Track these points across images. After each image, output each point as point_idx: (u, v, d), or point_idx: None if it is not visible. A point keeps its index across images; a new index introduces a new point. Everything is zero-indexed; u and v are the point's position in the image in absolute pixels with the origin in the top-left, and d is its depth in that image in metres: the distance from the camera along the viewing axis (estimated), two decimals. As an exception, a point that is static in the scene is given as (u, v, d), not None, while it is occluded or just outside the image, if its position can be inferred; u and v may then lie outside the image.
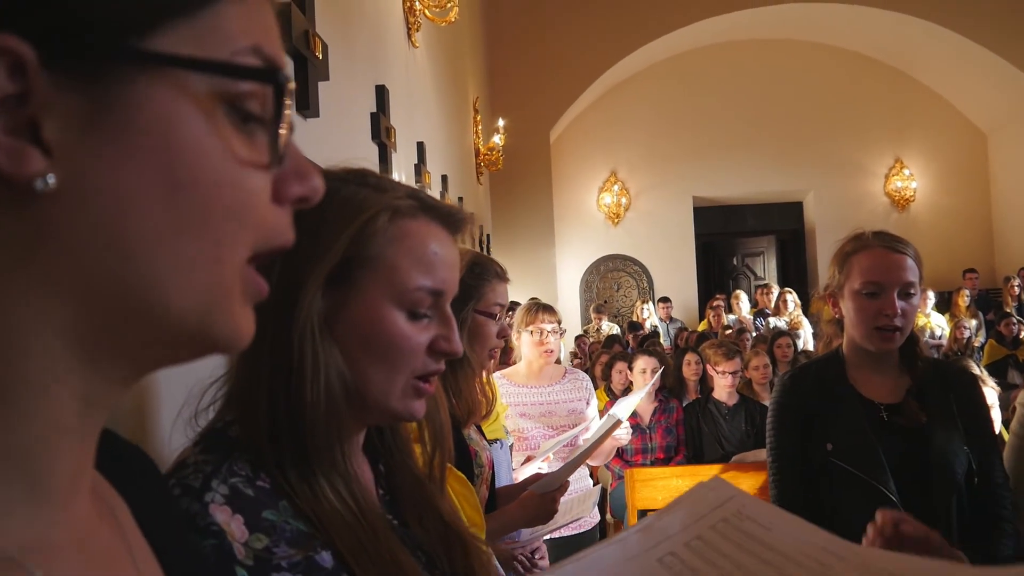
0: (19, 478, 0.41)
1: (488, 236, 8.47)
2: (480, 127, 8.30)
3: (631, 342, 8.15)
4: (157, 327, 0.43)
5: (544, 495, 1.84)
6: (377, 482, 0.96)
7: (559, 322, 3.08)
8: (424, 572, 0.88)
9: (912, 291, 1.80)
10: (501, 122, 8.39)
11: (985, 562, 1.77)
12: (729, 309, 9.12)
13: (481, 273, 1.81)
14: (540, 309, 3.07)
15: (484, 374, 1.90)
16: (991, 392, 3.51)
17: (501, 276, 1.89)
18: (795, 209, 11.84)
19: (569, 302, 10.74)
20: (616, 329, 9.37)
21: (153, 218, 0.41)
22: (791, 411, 1.90)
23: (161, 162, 0.41)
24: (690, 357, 5.13)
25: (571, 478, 2.02)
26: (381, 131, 3.07)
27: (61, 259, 0.40)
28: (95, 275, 0.41)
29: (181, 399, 0.91)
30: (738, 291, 9.45)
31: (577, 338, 8.57)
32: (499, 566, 1.95)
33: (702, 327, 9.00)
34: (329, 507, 0.82)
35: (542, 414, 3.07)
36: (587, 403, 3.15)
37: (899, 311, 1.78)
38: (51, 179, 0.39)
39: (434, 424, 1.01)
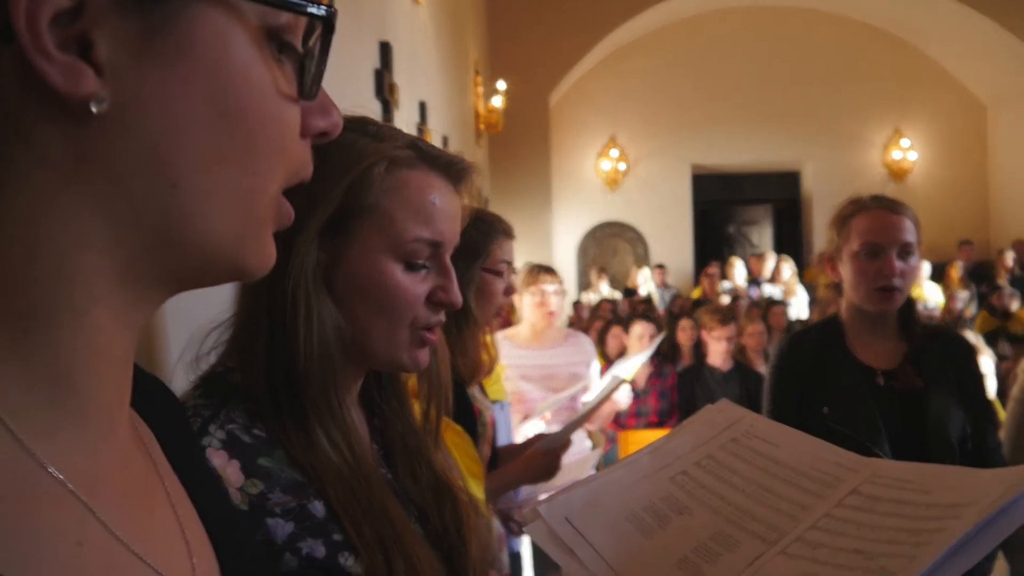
0: (64, 400, 0.41)
1: (487, 200, 8.44)
2: (481, 89, 8.23)
3: (626, 308, 8.17)
4: (194, 252, 0.44)
5: (548, 452, 1.86)
6: (372, 436, 0.96)
7: (560, 283, 3.08)
8: (415, 525, 0.89)
9: (911, 252, 1.83)
10: (502, 84, 8.32)
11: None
12: (724, 276, 9.14)
13: (488, 230, 1.81)
14: (541, 270, 3.08)
15: (491, 334, 1.91)
16: (986, 361, 3.55)
17: (508, 233, 1.89)
18: (792, 179, 11.81)
19: (566, 268, 10.73)
20: (618, 295, 9.39)
21: (200, 146, 0.42)
22: (789, 375, 1.93)
23: (212, 89, 0.41)
24: (685, 323, 5.15)
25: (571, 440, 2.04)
26: (384, 88, 3.06)
27: (107, 182, 0.40)
28: (139, 200, 0.41)
29: (183, 342, 0.91)
30: (733, 258, 9.45)
31: (575, 304, 8.59)
32: (499, 524, 1.99)
33: (697, 294, 9.03)
34: (324, 457, 0.83)
35: (543, 376, 3.09)
36: (588, 366, 3.17)
37: (898, 271, 1.80)
38: (104, 101, 0.39)
39: (432, 377, 1.01)
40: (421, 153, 0.91)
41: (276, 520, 0.78)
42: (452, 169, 0.93)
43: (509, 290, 1.87)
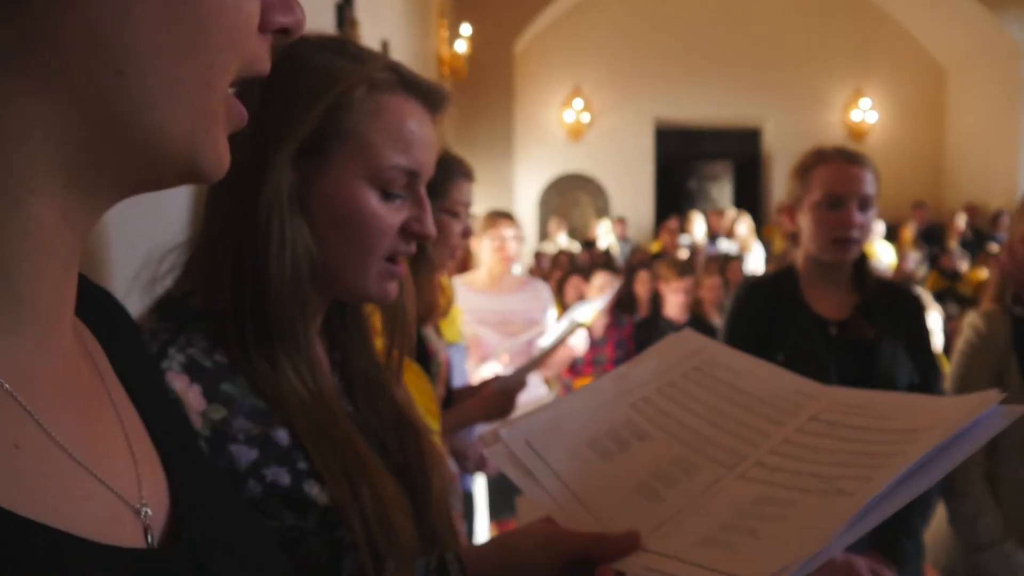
0: (2, 299, 0.40)
1: (448, 146, 8.34)
2: (445, 33, 8.08)
3: (585, 259, 8.20)
4: (142, 147, 0.42)
5: (503, 392, 1.87)
6: (333, 368, 0.95)
7: (519, 230, 3.08)
8: (377, 457, 0.88)
9: (870, 205, 1.85)
10: (467, 29, 8.17)
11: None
12: (683, 231, 9.20)
13: (448, 171, 1.79)
14: (500, 216, 3.06)
15: (445, 276, 1.90)
16: (935, 317, 3.63)
17: (468, 176, 1.88)
18: (754, 136, 11.87)
19: (527, 218, 10.71)
20: (576, 246, 9.41)
21: (151, 32, 0.39)
22: (745, 321, 1.95)
23: None
24: (643, 274, 5.19)
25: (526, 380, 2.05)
26: (346, 23, 2.98)
27: (49, 68, 0.38)
28: (84, 88, 0.39)
29: (138, 263, 0.89)
30: (693, 213, 9.51)
31: (536, 255, 8.60)
32: (453, 461, 2.00)
33: (656, 248, 9.08)
34: (288, 387, 0.82)
35: (500, 322, 3.09)
36: (545, 313, 3.18)
37: (857, 223, 1.82)
38: None
39: (396, 313, 0.99)
40: (401, 78, 0.89)
41: (239, 447, 0.78)
42: (431, 97, 0.91)
43: (466, 233, 1.85)
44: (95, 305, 0.54)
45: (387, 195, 0.86)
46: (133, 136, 0.41)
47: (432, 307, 1.81)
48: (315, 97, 0.83)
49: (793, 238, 1.97)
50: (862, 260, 1.92)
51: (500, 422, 0.78)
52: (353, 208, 0.84)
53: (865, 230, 1.85)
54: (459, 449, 2.07)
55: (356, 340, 0.98)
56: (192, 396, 0.77)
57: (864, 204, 1.84)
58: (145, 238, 0.95)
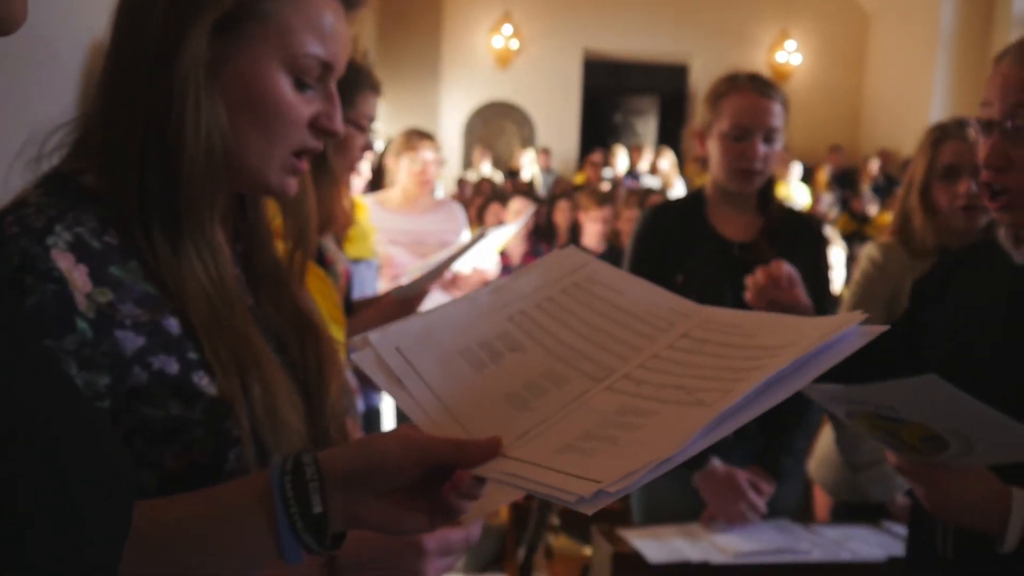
0: None
1: (372, 64, 8.12)
2: (370, -54, 7.78)
3: (508, 188, 8.18)
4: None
5: (404, 301, 1.84)
6: (235, 261, 0.93)
7: (438, 151, 3.02)
8: (273, 354, 0.87)
9: (775, 137, 1.88)
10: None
11: (805, 404, 1.93)
12: (607, 164, 9.24)
13: (353, 80, 1.72)
14: (419, 136, 3.00)
15: (345, 189, 1.85)
16: (839, 252, 3.76)
17: (374, 88, 1.82)
18: (681, 72, 11.90)
19: (451, 144, 10.58)
20: (500, 175, 9.37)
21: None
22: (649, 241, 1.97)
23: None
24: (563, 204, 5.20)
25: (433, 301, 2.02)
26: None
27: None
28: None
29: (19, 139, 0.85)
30: (617, 146, 9.54)
31: (459, 182, 8.53)
32: (353, 376, 1.98)
33: (579, 180, 9.11)
34: (189, 272, 0.80)
35: (412, 242, 3.06)
36: (458, 235, 3.15)
37: (761, 155, 1.85)
38: None
39: (299, 213, 0.98)
40: None
41: (126, 332, 0.76)
42: None
43: (368, 146, 1.81)
44: None
45: (300, 84, 0.84)
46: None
47: (332, 218, 1.76)
48: None
49: (703, 163, 1.99)
50: (768, 186, 1.95)
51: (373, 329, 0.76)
52: (265, 91, 0.82)
53: (769, 161, 1.88)
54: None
55: (259, 234, 0.96)
56: (78, 276, 0.74)
57: (769, 136, 1.87)
58: (27, 112, 0.90)
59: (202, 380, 0.79)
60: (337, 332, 1.52)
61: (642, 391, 0.71)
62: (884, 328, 0.67)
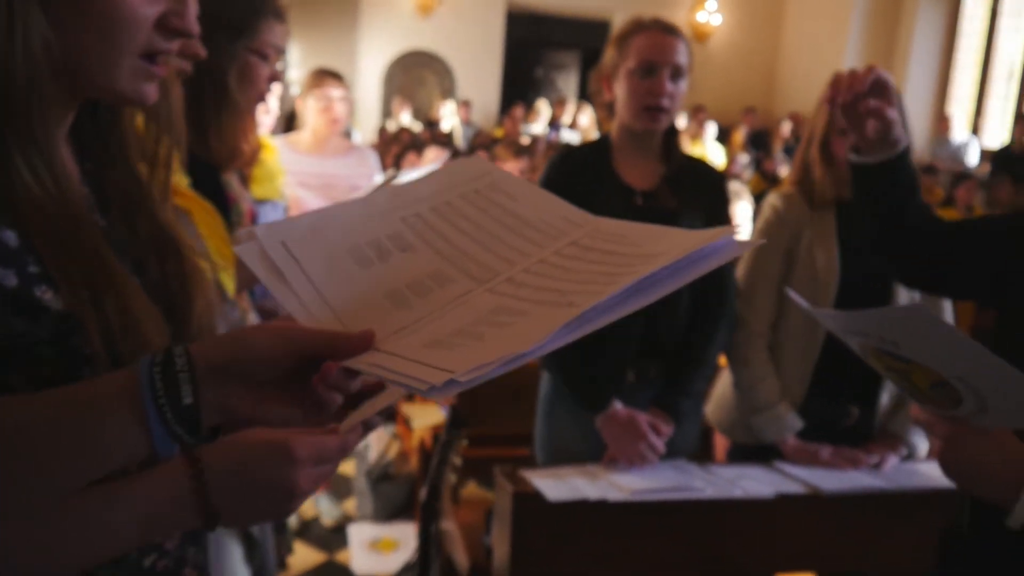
0: None
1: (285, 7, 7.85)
2: None
3: (426, 137, 8.09)
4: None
5: None
6: (83, 179, 0.87)
7: (347, 90, 2.95)
8: (129, 273, 0.82)
9: (681, 75, 1.90)
10: None
11: (704, 349, 1.98)
12: (528, 119, 9.21)
13: (255, 6, 1.65)
14: (327, 75, 2.92)
15: (251, 122, 1.78)
16: (746, 206, 3.84)
17: (279, 15, 1.74)
18: (603, 28, 11.88)
19: (370, 93, 10.36)
20: (419, 126, 9.24)
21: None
22: (554, 188, 1.95)
23: None
24: (481, 154, 5.17)
25: None
26: None
27: None
28: None
29: None
30: (539, 101, 9.52)
31: (380, 131, 8.38)
32: (258, 317, 1.93)
33: (499, 133, 9.06)
34: (20, 185, 0.74)
35: (322, 185, 2.99)
36: (370, 180, 3.09)
37: (668, 92, 1.87)
38: None
39: (162, 116, 0.91)
40: None
41: None
42: None
43: (274, 77, 1.74)
44: None
45: None
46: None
47: (235, 152, 1.70)
48: None
49: (609, 108, 1.99)
50: (672, 132, 1.98)
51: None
52: None
53: (675, 100, 1.90)
54: (269, 308, 2.01)
55: (111, 149, 0.89)
56: None
57: (676, 73, 1.89)
58: None
59: (45, 294, 0.74)
60: (227, 279, 1.47)
61: (520, 293, 0.72)
62: (760, 241, 0.69)
